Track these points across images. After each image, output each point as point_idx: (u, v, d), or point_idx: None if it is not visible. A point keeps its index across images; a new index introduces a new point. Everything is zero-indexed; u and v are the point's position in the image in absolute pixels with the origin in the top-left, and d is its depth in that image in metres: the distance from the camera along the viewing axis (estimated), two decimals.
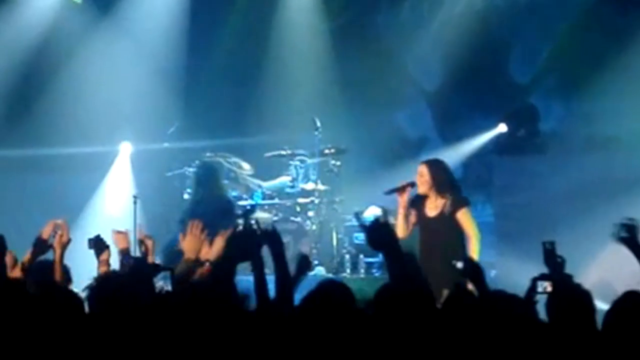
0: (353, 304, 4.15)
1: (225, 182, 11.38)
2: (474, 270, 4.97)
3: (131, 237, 10.25)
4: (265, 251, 4.85)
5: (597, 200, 10.86)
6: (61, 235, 5.73)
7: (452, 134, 13.17)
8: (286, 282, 4.69)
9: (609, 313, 4.08)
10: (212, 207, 10.04)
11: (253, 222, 4.80)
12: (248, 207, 10.54)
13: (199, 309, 3.78)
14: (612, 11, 12.21)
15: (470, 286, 4.94)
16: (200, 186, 10.62)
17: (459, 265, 5.44)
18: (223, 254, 5.41)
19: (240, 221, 4.77)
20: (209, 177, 10.71)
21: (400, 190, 8.39)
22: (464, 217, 8.29)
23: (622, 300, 3.98)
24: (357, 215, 4.87)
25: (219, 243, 5.86)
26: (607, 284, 4.77)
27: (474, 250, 8.16)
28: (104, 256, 5.79)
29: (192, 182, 11.06)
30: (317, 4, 13.30)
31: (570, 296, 4.57)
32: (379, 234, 4.62)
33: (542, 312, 4.81)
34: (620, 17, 12.10)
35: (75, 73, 12.73)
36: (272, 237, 4.84)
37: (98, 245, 5.75)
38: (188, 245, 5.74)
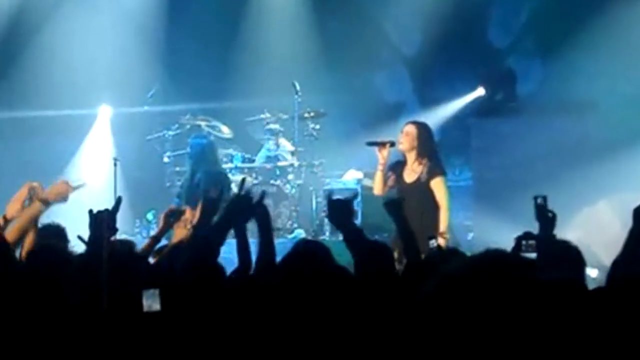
0: (332, 262, 4.25)
1: (220, 153, 11.35)
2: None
3: (112, 200, 10.28)
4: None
5: (574, 163, 10.95)
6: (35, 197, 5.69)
7: (430, 98, 13.20)
8: (270, 250, 4.81)
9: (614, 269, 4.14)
10: (211, 185, 9.91)
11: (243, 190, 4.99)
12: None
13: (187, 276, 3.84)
14: None
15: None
16: (196, 164, 10.51)
17: (433, 243, 5.53)
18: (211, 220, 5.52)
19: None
20: (204, 154, 10.62)
21: (381, 145, 8.41)
22: (437, 186, 8.29)
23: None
24: (329, 194, 4.97)
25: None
26: (585, 247, 4.81)
27: (442, 221, 8.19)
28: None
29: (187, 159, 10.96)
30: None
31: (561, 252, 4.64)
32: (339, 212, 4.81)
33: None
34: None
35: (53, 35, 12.63)
36: (259, 206, 4.99)
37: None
38: (177, 235, 5.84)
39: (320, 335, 3.16)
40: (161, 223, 5.98)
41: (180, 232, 5.84)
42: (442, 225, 8.09)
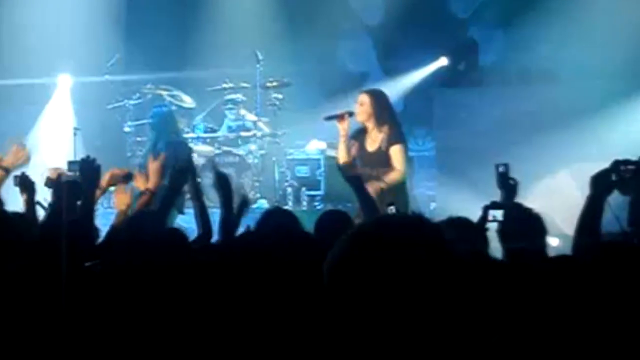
0: (302, 230, 4.27)
1: (180, 122, 11.27)
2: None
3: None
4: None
5: (535, 132, 11.01)
6: None
7: (393, 68, 13.20)
8: (230, 224, 4.82)
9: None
10: (172, 155, 9.85)
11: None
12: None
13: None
14: None
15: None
16: (158, 134, 10.44)
17: (392, 210, 5.55)
18: (169, 184, 5.50)
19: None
20: (165, 124, 10.55)
21: (339, 118, 8.34)
22: (395, 153, 8.24)
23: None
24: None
25: (155, 172, 5.90)
26: (545, 215, 4.84)
27: (389, 179, 8.11)
28: (25, 196, 5.64)
29: (148, 130, 10.87)
30: None
31: (524, 221, 4.65)
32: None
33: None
34: None
35: (12, 4, 12.48)
36: (222, 181, 5.01)
37: (23, 183, 5.59)
38: (119, 200, 5.73)
39: (301, 302, 3.16)
40: (105, 182, 5.84)
41: (121, 198, 5.75)
42: (387, 180, 8.05)
